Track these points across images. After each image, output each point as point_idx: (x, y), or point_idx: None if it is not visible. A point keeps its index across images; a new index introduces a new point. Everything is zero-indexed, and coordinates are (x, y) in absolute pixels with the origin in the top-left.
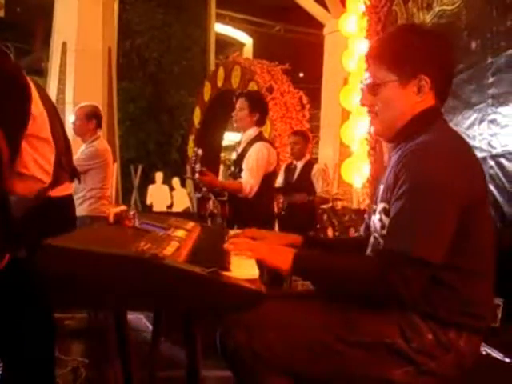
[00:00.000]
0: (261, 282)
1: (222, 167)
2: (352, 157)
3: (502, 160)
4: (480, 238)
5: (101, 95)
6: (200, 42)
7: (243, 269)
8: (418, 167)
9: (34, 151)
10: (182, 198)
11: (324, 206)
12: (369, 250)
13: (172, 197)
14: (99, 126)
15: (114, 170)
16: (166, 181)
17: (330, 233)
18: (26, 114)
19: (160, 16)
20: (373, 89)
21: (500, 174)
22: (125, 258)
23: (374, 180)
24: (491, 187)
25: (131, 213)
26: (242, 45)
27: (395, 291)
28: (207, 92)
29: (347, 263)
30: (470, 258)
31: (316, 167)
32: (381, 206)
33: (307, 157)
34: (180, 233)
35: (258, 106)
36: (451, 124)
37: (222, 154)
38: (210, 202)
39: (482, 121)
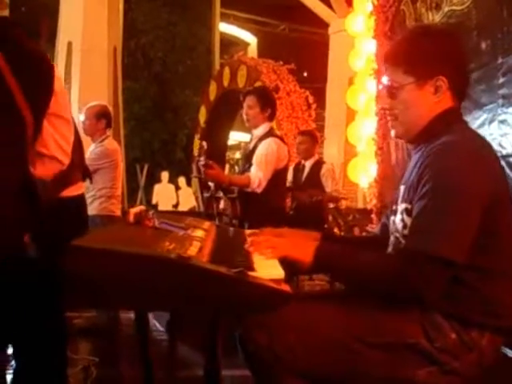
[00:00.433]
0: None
1: (227, 166)
2: (358, 156)
3: None
4: (502, 238)
5: (106, 95)
6: (205, 42)
7: (268, 269)
8: (441, 167)
9: (54, 130)
10: (187, 198)
11: (331, 206)
12: (389, 249)
13: (178, 196)
14: (109, 125)
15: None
16: (171, 180)
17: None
18: (50, 91)
19: (165, 15)
20: (391, 92)
21: (511, 175)
22: (152, 259)
23: (381, 180)
24: None
25: (150, 213)
26: (246, 44)
27: (416, 290)
28: (213, 91)
29: (369, 259)
30: (492, 257)
31: (325, 167)
32: (402, 206)
33: (316, 156)
34: (199, 233)
35: (269, 101)
36: None
37: (227, 154)
38: (222, 201)
39: (492, 121)
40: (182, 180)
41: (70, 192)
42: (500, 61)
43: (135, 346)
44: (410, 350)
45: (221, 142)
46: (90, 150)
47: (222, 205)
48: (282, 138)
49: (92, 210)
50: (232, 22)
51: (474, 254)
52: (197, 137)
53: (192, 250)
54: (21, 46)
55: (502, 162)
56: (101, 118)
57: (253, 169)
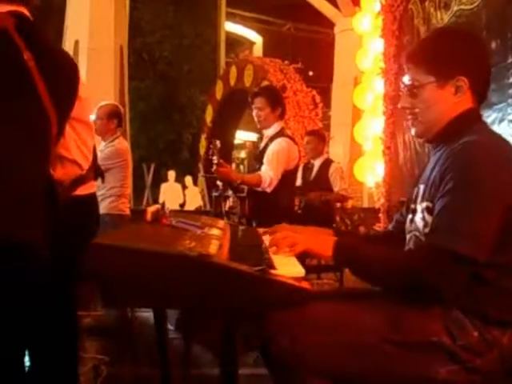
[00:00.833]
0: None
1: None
2: (365, 156)
3: None
4: None
5: (113, 94)
6: (210, 41)
7: (288, 267)
8: (464, 166)
9: (76, 135)
10: (194, 197)
11: (337, 205)
12: (408, 248)
13: (184, 195)
14: (119, 125)
15: None
16: (178, 179)
17: None
18: (75, 95)
19: (171, 15)
20: (412, 91)
21: None
22: (175, 257)
23: (389, 179)
24: None
25: (167, 211)
26: (252, 43)
27: (436, 286)
28: (219, 90)
29: (390, 253)
30: None
31: (333, 166)
32: (423, 205)
33: (325, 156)
34: (216, 231)
35: (278, 100)
36: None
37: (232, 153)
38: (230, 199)
39: (501, 120)
40: (188, 179)
41: (83, 191)
42: (510, 60)
43: (145, 344)
44: (433, 348)
45: (227, 141)
46: (100, 149)
47: (230, 203)
48: (292, 138)
49: (102, 208)
50: (238, 21)
51: (495, 252)
52: (203, 136)
53: (212, 249)
54: (50, 48)
55: None
56: (112, 117)
57: (263, 168)
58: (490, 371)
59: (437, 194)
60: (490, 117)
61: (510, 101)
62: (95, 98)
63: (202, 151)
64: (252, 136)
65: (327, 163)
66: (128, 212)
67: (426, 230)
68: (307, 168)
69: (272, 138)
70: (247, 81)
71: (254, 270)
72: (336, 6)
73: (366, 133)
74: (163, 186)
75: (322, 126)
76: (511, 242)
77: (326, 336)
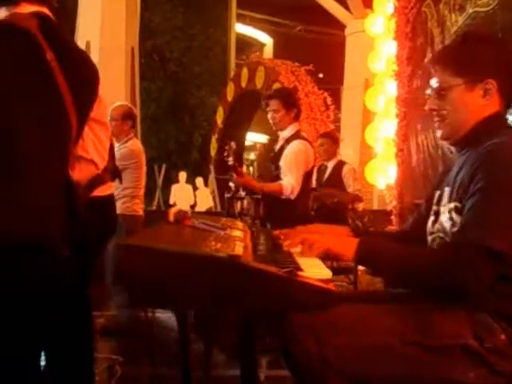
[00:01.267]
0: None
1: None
2: (376, 158)
3: None
4: None
5: (124, 95)
6: (221, 42)
7: (315, 268)
8: (495, 165)
9: (94, 135)
10: (205, 198)
11: (349, 207)
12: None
13: (195, 196)
14: (133, 126)
15: None
16: (188, 180)
17: None
18: (95, 95)
19: (181, 16)
20: (440, 93)
21: None
22: (204, 258)
23: (402, 181)
24: None
25: (188, 213)
26: (262, 45)
27: (464, 281)
28: (230, 92)
29: (414, 251)
30: None
31: (346, 167)
32: (451, 205)
33: (338, 157)
34: (238, 233)
35: (293, 102)
36: None
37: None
38: (244, 201)
39: None
40: (199, 180)
41: (100, 192)
42: None
43: (158, 344)
44: (461, 351)
45: (238, 143)
46: (115, 150)
47: (244, 205)
48: (309, 141)
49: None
50: (248, 22)
51: None
52: (214, 137)
53: (238, 250)
54: (72, 49)
55: None
56: (126, 118)
57: (283, 176)
58: None
59: (465, 195)
60: None
61: None
62: (106, 99)
63: (212, 152)
64: (262, 138)
65: (340, 165)
66: (141, 213)
67: (454, 230)
68: (321, 170)
69: (288, 140)
70: (258, 82)
71: (283, 272)
72: (347, 7)
73: (378, 135)
74: (174, 187)
75: (333, 127)
76: None
77: (350, 338)
